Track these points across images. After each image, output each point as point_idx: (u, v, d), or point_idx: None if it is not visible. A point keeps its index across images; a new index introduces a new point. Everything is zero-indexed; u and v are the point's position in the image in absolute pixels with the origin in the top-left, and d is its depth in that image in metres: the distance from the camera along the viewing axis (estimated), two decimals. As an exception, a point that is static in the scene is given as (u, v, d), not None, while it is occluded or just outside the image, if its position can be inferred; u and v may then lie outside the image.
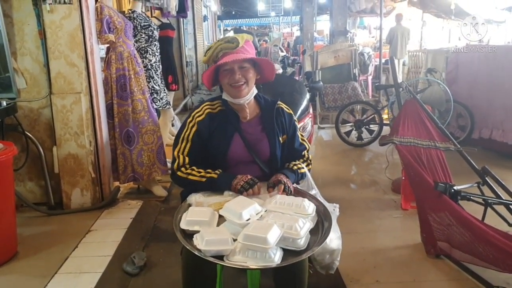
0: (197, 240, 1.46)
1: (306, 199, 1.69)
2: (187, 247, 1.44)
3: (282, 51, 13.69)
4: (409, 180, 2.83)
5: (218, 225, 1.58)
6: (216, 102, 1.90)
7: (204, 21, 14.33)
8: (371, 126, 5.53)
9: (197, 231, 1.51)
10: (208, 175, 1.77)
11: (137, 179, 3.61)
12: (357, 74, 7.04)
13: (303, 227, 1.51)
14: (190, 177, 1.78)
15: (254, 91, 1.88)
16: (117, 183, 3.69)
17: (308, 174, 1.90)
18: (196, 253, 1.40)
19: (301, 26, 11.17)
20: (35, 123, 3.34)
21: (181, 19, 8.33)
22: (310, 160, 1.95)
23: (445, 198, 2.43)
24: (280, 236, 1.43)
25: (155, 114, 3.72)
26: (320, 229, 1.61)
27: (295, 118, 2.01)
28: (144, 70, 3.87)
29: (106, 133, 3.49)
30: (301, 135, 1.98)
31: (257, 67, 1.86)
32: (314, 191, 1.88)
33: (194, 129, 1.83)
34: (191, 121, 1.85)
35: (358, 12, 11.75)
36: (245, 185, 1.70)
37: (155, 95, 4.12)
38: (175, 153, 1.83)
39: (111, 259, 2.63)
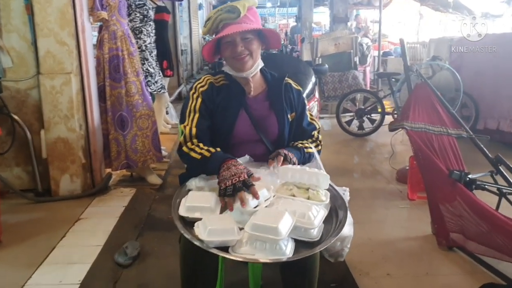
0: (199, 229, 1.29)
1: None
2: (188, 238, 1.27)
3: (279, 41, 13.51)
4: (419, 168, 2.67)
5: (221, 211, 1.41)
6: (218, 76, 1.73)
7: (199, 10, 14.09)
8: (372, 115, 5.38)
9: (199, 219, 1.34)
10: (204, 151, 1.53)
11: (131, 166, 3.43)
12: (357, 63, 6.88)
13: (317, 215, 1.36)
14: (192, 153, 1.55)
15: (260, 63, 1.71)
16: (109, 170, 3.51)
17: (317, 155, 1.74)
18: (198, 244, 1.24)
19: (299, 15, 10.98)
20: (23, 105, 3.15)
21: (177, 5, 8.10)
22: (320, 141, 1.79)
23: (459, 187, 2.29)
24: (292, 225, 1.28)
25: (150, 98, 3.54)
26: (333, 217, 1.46)
27: (304, 96, 1.85)
28: (139, 51, 3.68)
29: (97, 117, 3.30)
30: (310, 114, 1.82)
31: (261, 37, 1.69)
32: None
33: (199, 100, 1.66)
34: (194, 93, 1.67)
35: (355, 4, 11.64)
36: (229, 188, 1.37)
37: (149, 78, 3.93)
38: (182, 127, 1.64)
39: (101, 249, 2.47)
